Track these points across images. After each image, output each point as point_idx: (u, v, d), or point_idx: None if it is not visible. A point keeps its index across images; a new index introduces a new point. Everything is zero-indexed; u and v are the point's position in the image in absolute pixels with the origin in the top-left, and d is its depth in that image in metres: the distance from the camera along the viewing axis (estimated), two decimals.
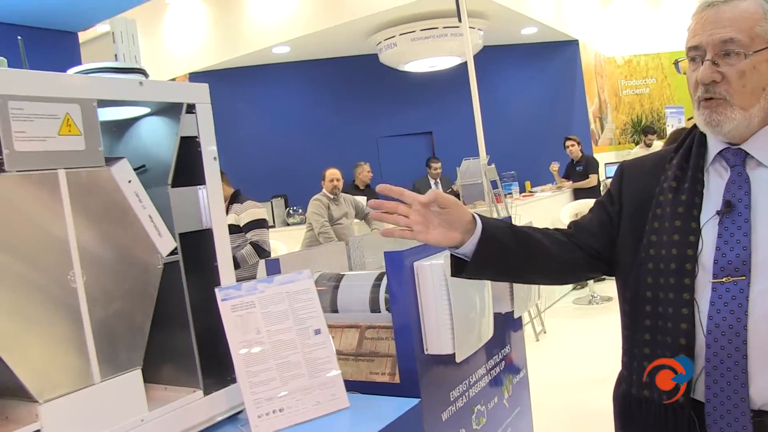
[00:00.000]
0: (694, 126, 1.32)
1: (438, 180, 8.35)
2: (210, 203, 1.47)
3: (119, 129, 1.52)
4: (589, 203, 7.69)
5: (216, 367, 1.45)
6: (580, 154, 8.13)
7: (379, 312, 1.72)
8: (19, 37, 1.40)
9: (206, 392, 1.40)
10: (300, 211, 7.93)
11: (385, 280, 1.74)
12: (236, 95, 8.97)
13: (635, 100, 11.64)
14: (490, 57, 8.77)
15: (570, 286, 7.31)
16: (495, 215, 6.04)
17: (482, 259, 1.28)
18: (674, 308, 1.21)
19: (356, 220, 6.33)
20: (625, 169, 1.44)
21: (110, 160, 1.29)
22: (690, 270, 1.21)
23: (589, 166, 8.01)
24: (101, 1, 1.91)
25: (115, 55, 2.00)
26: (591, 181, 7.90)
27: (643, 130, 9.74)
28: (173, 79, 9.16)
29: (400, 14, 7.16)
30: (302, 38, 7.71)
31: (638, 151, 9.16)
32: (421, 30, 7.36)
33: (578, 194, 7.92)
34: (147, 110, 1.48)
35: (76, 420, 1.14)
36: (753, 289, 1.15)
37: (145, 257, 1.32)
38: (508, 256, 1.32)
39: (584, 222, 1.44)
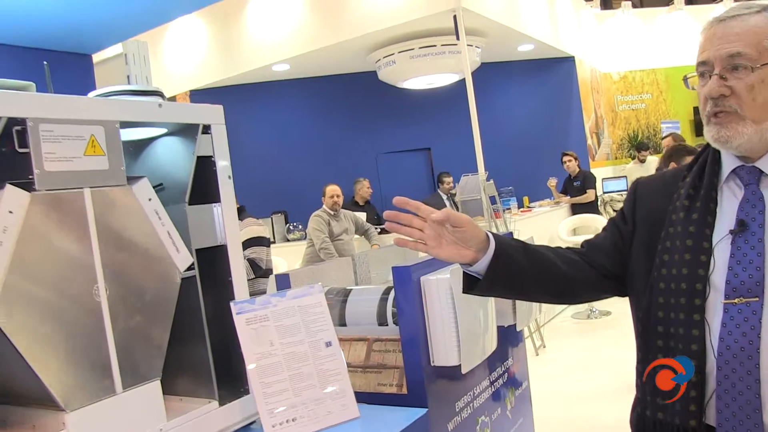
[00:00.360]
0: (708, 144, 1.30)
1: (450, 195, 8.37)
2: (225, 220, 1.52)
3: (137, 148, 1.58)
4: (586, 218, 7.78)
5: (230, 379, 1.50)
6: (577, 170, 8.22)
7: (387, 325, 1.77)
8: (45, 63, 1.46)
9: (221, 403, 1.44)
10: (300, 227, 7.98)
11: (392, 294, 1.79)
12: (237, 112, 9.04)
13: (631, 115, 11.76)
14: (487, 74, 8.87)
15: None
16: (494, 230, 6.10)
17: (494, 277, 1.28)
18: (685, 329, 1.18)
19: (356, 236, 6.39)
20: (638, 187, 1.42)
21: (131, 179, 1.34)
22: (701, 290, 1.18)
23: (586, 181, 8.09)
24: (115, 25, 1.97)
25: (128, 76, 2.07)
26: (588, 196, 7.97)
27: (637, 146, 9.85)
28: (174, 97, 9.25)
29: (398, 32, 7.26)
30: (302, 56, 7.80)
31: (633, 167, 9.26)
32: (420, 48, 7.46)
33: (576, 209, 7.99)
34: (164, 130, 1.53)
35: (100, 429, 1.19)
36: (766, 311, 1.12)
37: (164, 272, 1.37)
38: (520, 275, 1.32)
39: (597, 241, 1.44)
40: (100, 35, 2.10)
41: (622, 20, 11.61)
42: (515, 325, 2.07)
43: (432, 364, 1.66)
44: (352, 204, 7.81)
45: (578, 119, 10.13)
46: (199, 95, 9.01)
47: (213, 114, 1.53)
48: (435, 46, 7.39)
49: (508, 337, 2.17)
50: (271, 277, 1.88)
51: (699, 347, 1.16)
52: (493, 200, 6.27)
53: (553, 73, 9.98)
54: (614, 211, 8.58)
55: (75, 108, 1.23)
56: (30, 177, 1.15)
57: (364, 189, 8.09)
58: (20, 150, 1.14)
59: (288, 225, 8.45)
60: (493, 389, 2.01)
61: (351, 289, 1.89)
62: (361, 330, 1.81)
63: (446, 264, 1.36)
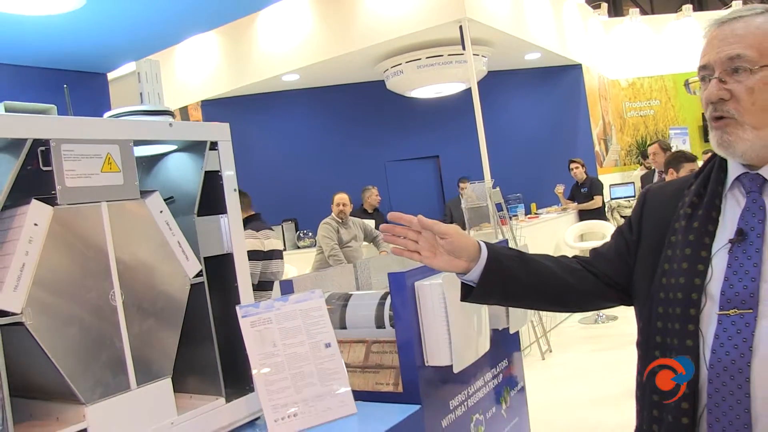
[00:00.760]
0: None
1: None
2: (231, 230, 1.64)
3: (149, 163, 1.69)
4: (593, 224, 7.85)
5: (236, 378, 1.60)
6: (584, 176, 8.28)
7: (384, 328, 1.87)
8: (65, 86, 1.58)
9: (228, 400, 1.55)
10: (310, 234, 8.10)
11: (389, 299, 1.89)
12: (247, 122, 9.21)
13: (639, 121, 11.81)
14: (495, 82, 8.98)
15: None
16: (500, 237, 6.19)
17: (487, 286, 1.30)
18: (679, 339, 1.16)
19: (365, 243, 6.49)
20: (647, 195, 1.39)
21: (144, 193, 1.46)
22: (696, 300, 1.15)
23: (593, 187, 8.15)
24: (129, 47, 2.10)
25: (141, 94, 2.19)
26: (596, 202, 8.03)
27: (642, 154, 9.89)
28: (185, 107, 9.43)
29: (405, 43, 7.39)
30: (311, 66, 7.94)
31: (639, 173, 9.31)
32: (427, 58, 7.58)
33: (583, 215, 8.06)
34: (174, 147, 1.65)
35: (116, 421, 1.30)
36: (760, 323, 1.08)
37: (175, 279, 1.48)
38: (515, 283, 1.32)
39: (602, 250, 1.42)
40: (115, 56, 2.23)
41: (630, 27, 11.67)
42: (509, 328, 2.17)
43: (426, 364, 1.76)
44: (360, 211, 7.93)
45: (586, 126, 10.19)
46: (210, 105, 9.19)
47: (220, 132, 1.64)
48: (442, 56, 7.51)
49: (504, 339, 2.27)
50: (276, 284, 1.98)
51: (692, 358, 1.13)
52: (499, 207, 6.36)
53: (561, 80, 10.06)
54: (621, 217, 8.63)
55: (93, 129, 1.35)
56: (53, 192, 1.26)
57: (372, 197, 8.20)
58: (44, 168, 1.26)
59: (298, 232, 8.58)
60: (488, 389, 2.11)
61: (351, 294, 2.00)
62: (360, 333, 1.91)
63: (436, 270, 1.44)
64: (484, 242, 1.32)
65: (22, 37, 2.07)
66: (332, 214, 6.20)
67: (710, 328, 1.12)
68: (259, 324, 1.57)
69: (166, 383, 1.43)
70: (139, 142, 1.48)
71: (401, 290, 1.74)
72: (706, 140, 10.46)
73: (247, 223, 4.46)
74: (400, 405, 1.64)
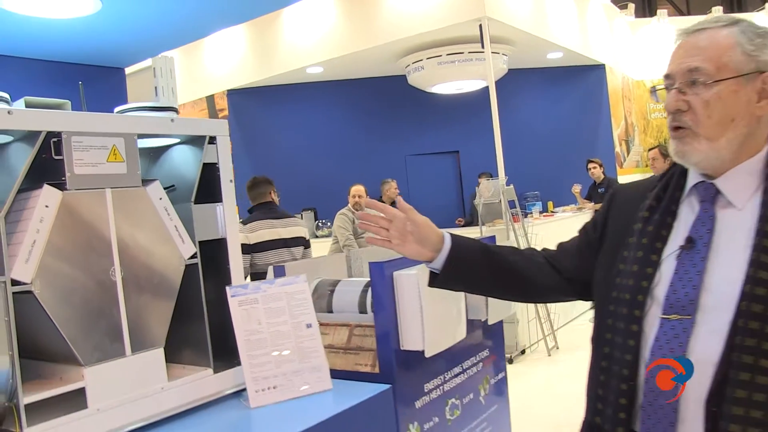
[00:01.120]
0: None
1: None
2: (225, 217, 1.79)
3: (156, 154, 1.86)
4: None
5: (226, 353, 1.76)
6: (602, 176, 8.33)
7: (366, 313, 2.02)
8: (80, 83, 1.75)
9: (216, 371, 1.71)
10: (328, 224, 8.29)
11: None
12: (272, 112, 9.41)
13: (663, 123, 11.72)
14: (516, 79, 9.06)
15: (588, 304, 7.47)
16: (511, 234, 6.29)
17: (450, 274, 1.41)
18: (623, 338, 1.21)
19: None
20: (615, 194, 1.43)
21: (145, 182, 1.62)
22: (641, 302, 1.20)
23: (610, 188, 8.11)
24: (146, 44, 2.26)
25: (155, 88, 2.37)
26: None
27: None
28: (212, 96, 9.66)
29: (427, 39, 7.51)
30: (335, 59, 8.10)
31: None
32: (447, 54, 7.69)
33: None
34: (177, 140, 1.81)
35: (111, 382, 1.47)
36: (696, 330, 1.13)
37: (170, 259, 1.65)
38: (477, 274, 1.42)
39: (567, 245, 1.49)
40: (133, 53, 2.40)
41: (658, 28, 11.60)
42: (487, 319, 2.30)
43: (401, 348, 1.90)
44: None
45: (607, 126, 10.20)
46: (236, 95, 9.41)
47: (218, 127, 1.80)
48: (462, 53, 7.62)
49: (485, 330, 2.40)
50: (270, 269, 2.14)
51: (632, 358, 1.19)
52: (512, 204, 6.45)
53: (583, 80, 10.08)
54: None
55: (101, 123, 1.51)
56: (63, 179, 1.43)
57: (391, 190, 8.33)
58: (56, 157, 1.43)
59: (317, 222, 8.77)
60: (465, 376, 2.24)
61: (339, 281, 2.15)
62: (345, 317, 2.06)
63: (416, 262, 1.56)
64: (451, 234, 1.43)
65: (45, 35, 2.24)
66: (348, 205, 6.35)
67: (653, 330, 1.18)
68: (246, 303, 1.73)
69: (159, 352, 1.59)
70: (143, 135, 1.64)
71: (381, 279, 1.88)
72: None
73: (252, 211, 4.59)
74: (374, 384, 1.79)
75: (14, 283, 1.33)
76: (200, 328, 1.72)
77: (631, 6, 11.45)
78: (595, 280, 1.36)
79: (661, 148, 6.10)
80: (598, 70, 10.11)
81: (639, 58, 11.46)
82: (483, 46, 6.69)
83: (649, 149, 7.39)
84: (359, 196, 6.31)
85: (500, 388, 2.50)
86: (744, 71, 1.17)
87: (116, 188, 1.53)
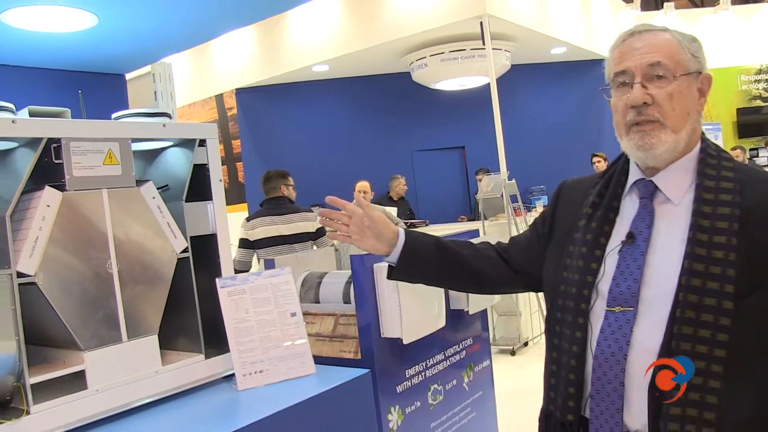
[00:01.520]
0: (622, 153, 1.36)
1: None
2: (216, 214, 1.93)
3: (151, 156, 2.00)
4: None
5: (216, 340, 1.90)
6: None
7: (350, 303, 2.15)
8: (79, 92, 1.89)
9: (207, 357, 1.85)
10: None
11: None
12: (278, 110, 9.56)
13: None
14: (520, 75, 9.12)
15: None
16: (513, 228, 6.39)
17: (405, 268, 1.52)
18: (571, 331, 1.27)
19: None
20: (562, 189, 1.49)
21: (139, 182, 1.76)
22: (587, 296, 1.26)
23: None
24: (148, 49, 2.40)
25: (155, 92, 2.51)
26: None
27: None
28: (221, 94, 9.82)
29: (430, 36, 7.61)
30: (340, 57, 8.23)
31: None
32: (450, 51, 7.79)
33: None
34: (170, 143, 1.95)
35: (108, 366, 1.61)
36: (638, 321, 1.19)
37: (163, 253, 1.78)
38: (430, 267, 1.53)
39: (518, 239, 1.57)
40: (132, 61, 2.53)
41: (664, 21, 11.56)
42: (468, 310, 2.42)
43: (381, 336, 2.04)
44: (386, 199, 8.21)
45: (611, 120, 10.23)
46: (244, 93, 9.57)
47: (208, 130, 1.93)
48: (464, 50, 7.71)
49: (469, 320, 2.52)
50: (261, 262, 2.28)
51: (579, 349, 1.25)
52: (514, 199, 6.56)
53: (588, 74, 10.11)
54: None
55: (97, 129, 1.65)
56: (63, 181, 1.57)
57: (400, 186, 8.46)
58: (56, 161, 1.57)
59: None
60: (448, 363, 2.37)
61: (326, 273, 2.28)
62: (330, 307, 2.20)
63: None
64: (405, 230, 1.56)
65: (47, 47, 2.38)
66: (353, 200, 6.47)
67: (598, 322, 1.24)
68: (235, 294, 1.87)
69: (153, 339, 1.73)
70: (137, 140, 1.78)
71: (362, 271, 2.01)
72: (741, 136, 10.39)
73: (261, 206, 4.71)
74: (355, 369, 1.92)
75: (20, 275, 1.47)
76: (193, 317, 1.86)
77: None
78: (544, 274, 1.43)
79: None
80: (602, 64, 10.10)
81: None
82: (484, 44, 6.78)
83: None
84: (363, 192, 6.44)
85: (484, 376, 2.62)
86: (692, 70, 1.27)
87: (112, 188, 1.67)
